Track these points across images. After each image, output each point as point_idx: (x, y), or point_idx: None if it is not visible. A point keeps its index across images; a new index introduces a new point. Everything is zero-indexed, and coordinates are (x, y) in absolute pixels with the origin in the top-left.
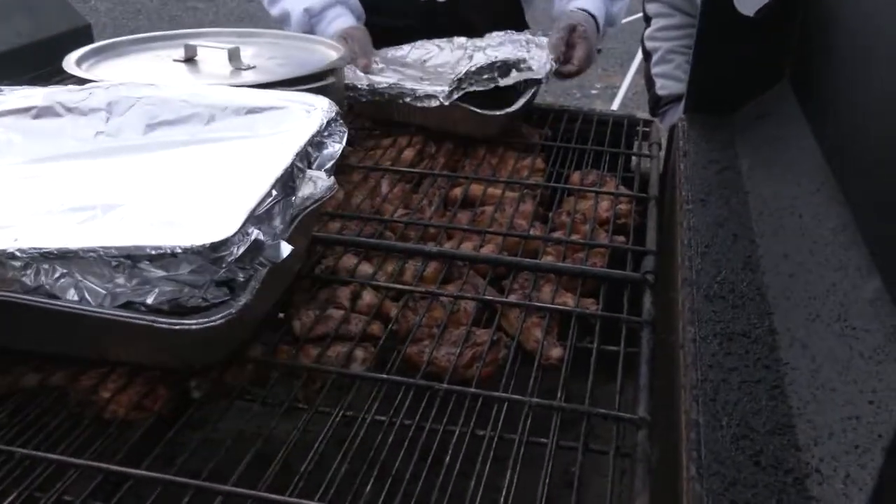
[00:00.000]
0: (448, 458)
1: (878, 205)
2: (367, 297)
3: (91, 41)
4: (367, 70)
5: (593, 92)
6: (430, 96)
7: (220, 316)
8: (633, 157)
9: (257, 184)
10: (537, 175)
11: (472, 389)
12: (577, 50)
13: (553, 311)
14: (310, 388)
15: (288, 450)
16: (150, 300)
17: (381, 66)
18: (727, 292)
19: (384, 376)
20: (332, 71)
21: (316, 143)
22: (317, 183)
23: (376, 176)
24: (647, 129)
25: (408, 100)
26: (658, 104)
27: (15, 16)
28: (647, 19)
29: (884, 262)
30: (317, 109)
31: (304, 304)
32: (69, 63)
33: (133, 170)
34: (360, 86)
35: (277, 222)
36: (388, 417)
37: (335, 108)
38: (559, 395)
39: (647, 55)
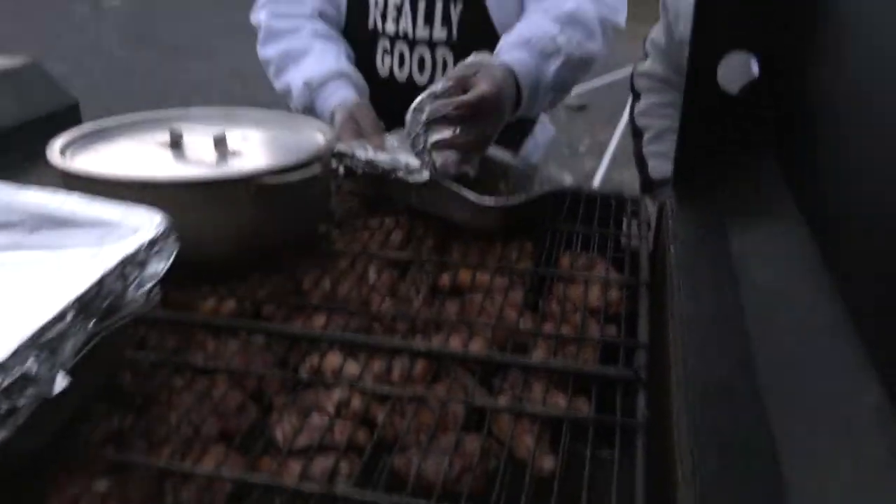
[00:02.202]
0: None
1: (873, 300)
2: (354, 401)
3: (79, 119)
4: (380, 148)
5: (581, 149)
6: (420, 171)
7: None
8: (623, 239)
9: (51, 305)
10: (526, 259)
11: None
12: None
13: (544, 416)
14: None
15: None
16: None
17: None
18: (723, 397)
19: (370, 496)
20: (318, 158)
21: (138, 261)
22: (129, 305)
23: (364, 262)
24: (636, 208)
25: (400, 174)
26: (650, 186)
27: (1, 95)
28: (637, 95)
29: (884, 367)
30: (146, 226)
31: (286, 407)
32: (53, 151)
33: None
34: (357, 155)
35: (67, 350)
36: None
37: (166, 223)
38: None
39: (639, 133)
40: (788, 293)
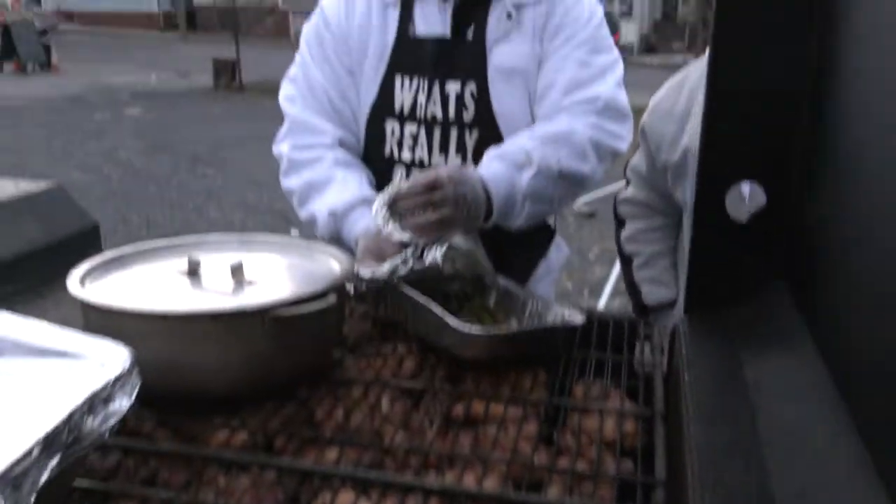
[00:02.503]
0: None
1: (891, 436)
2: None
3: (99, 241)
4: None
5: (591, 257)
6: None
7: None
8: (637, 366)
9: (18, 441)
10: (540, 388)
11: None
12: (422, 215)
13: None
14: None
15: None
16: None
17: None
18: None
19: None
20: (334, 288)
21: (104, 397)
22: (89, 437)
23: (377, 390)
24: (648, 331)
25: (399, 271)
26: (644, 312)
27: (25, 219)
28: (621, 222)
29: None
30: (112, 361)
31: None
32: (72, 280)
33: None
34: (361, 274)
35: (28, 484)
36: None
37: (131, 358)
38: None
39: (627, 259)
40: (805, 426)
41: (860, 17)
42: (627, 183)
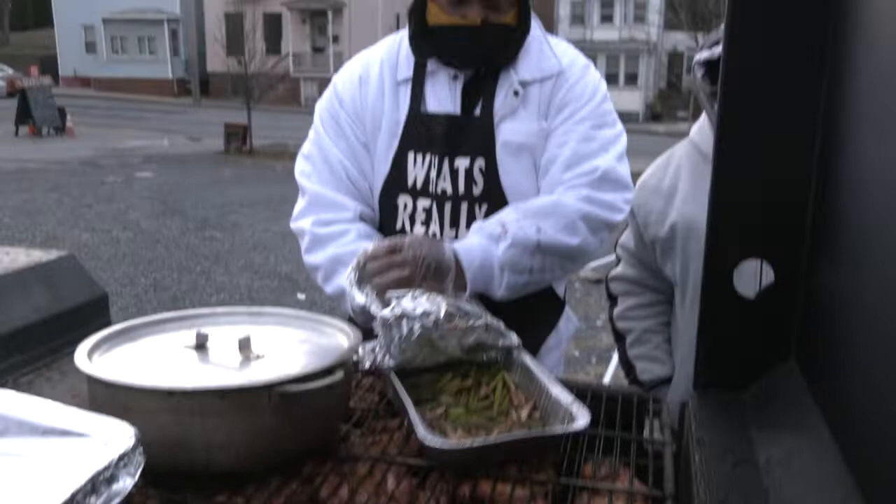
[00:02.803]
0: None
1: None
2: None
3: (107, 310)
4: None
5: (598, 324)
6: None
7: None
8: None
9: None
10: (548, 467)
11: None
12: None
13: None
14: None
15: None
16: None
17: None
18: None
19: None
20: (341, 364)
21: (107, 477)
22: None
23: (382, 468)
24: (658, 406)
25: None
26: (642, 388)
27: (35, 289)
28: (613, 298)
29: None
30: (116, 440)
31: None
32: (80, 355)
33: None
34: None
35: None
36: None
37: (135, 437)
38: None
39: (620, 336)
40: None
41: (863, 109)
42: (618, 260)
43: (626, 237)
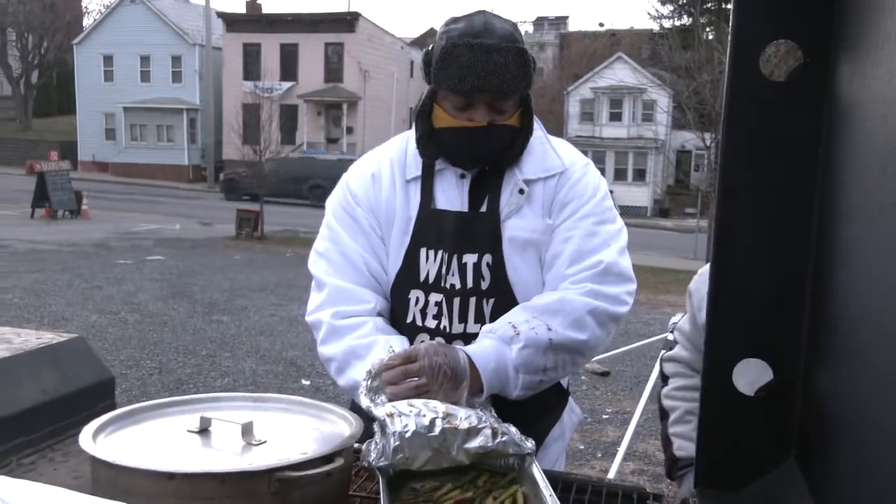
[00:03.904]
0: None
1: None
2: None
3: (113, 393)
4: None
5: (604, 417)
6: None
7: None
8: None
9: None
10: None
11: None
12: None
13: None
14: None
15: None
16: None
17: None
18: None
19: None
20: (340, 452)
21: None
22: None
23: None
24: (658, 503)
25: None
26: (675, 466)
27: (43, 370)
28: (665, 378)
29: None
30: None
31: None
32: (85, 437)
33: None
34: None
35: None
36: None
37: None
38: None
39: (665, 414)
40: None
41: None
42: (674, 343)
43: (683, 321)
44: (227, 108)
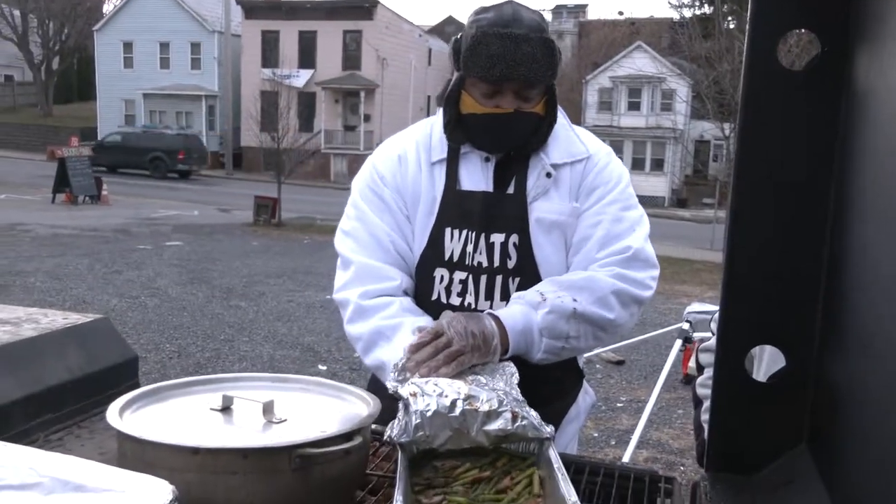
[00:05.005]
0: None
1: None
2: None
3: (136, 372)
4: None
5: (619, 405)
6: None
7: None
8: None
9: None
10: None
11: None
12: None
13: None
14: None
15: None
16: None
17: None
18: None
19: None
20: (359, 430)
21: None
22: None
23: None
24: (669, 486)
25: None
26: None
27: (69, 350)
28: (700, 368)
29: None
30: (153, 497)
31: None
32: (112, 413)
33: None
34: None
35: None
36: None
37: (172, 494)
38: None
39: (698, 402)
40: None
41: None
42: (713, 334)
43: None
44: (246, 95)
